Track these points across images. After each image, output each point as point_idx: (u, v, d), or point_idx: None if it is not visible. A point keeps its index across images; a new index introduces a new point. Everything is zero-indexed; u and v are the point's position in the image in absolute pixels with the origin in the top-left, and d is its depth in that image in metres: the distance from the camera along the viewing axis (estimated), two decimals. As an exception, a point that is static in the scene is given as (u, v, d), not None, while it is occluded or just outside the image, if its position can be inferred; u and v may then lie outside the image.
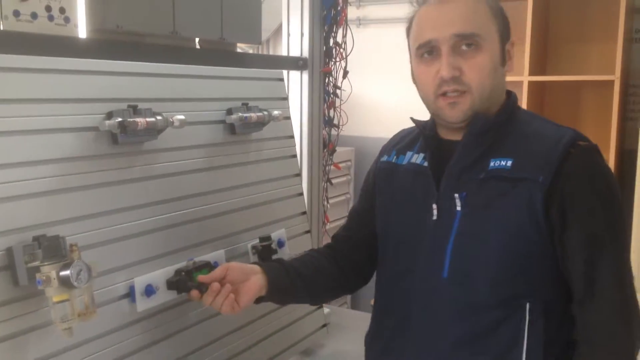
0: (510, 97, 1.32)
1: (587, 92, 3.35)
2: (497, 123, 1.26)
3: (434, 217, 1.28)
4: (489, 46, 1.23)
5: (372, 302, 3.94)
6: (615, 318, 1.20)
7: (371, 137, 3.93)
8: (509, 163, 1.22)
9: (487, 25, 1.24)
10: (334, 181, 2.55)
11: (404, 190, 1.37)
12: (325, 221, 2.40)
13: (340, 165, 3.12)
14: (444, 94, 1.24)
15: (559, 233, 1.20)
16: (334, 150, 2.37)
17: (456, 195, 1.25)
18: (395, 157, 1.43)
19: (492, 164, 1.24)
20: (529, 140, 1.25)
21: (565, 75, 3.27)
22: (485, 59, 1.22)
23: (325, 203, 2.38)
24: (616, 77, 3.00)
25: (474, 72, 1.22)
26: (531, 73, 3.14)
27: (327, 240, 2.49)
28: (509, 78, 1.34)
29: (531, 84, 3.15)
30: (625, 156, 3.25)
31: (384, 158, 1.46)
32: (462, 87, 1.23)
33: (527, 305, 1.21)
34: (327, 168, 2.38)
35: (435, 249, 1.27)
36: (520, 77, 3.13)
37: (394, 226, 1.39)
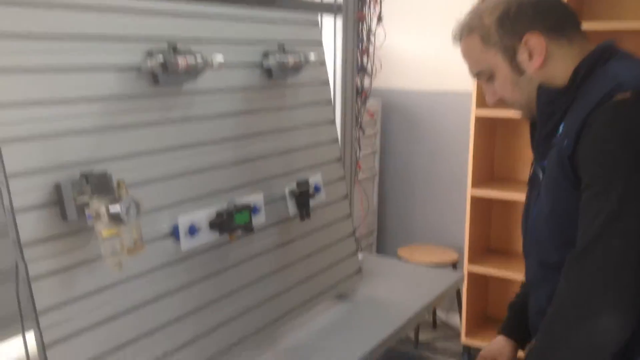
0: (584, 61, 1.23)
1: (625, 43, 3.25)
2: (562, 91, 1.25)
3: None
4: (497, 73, 1.31)
5: (399, 251, 3.93)
6: (576, 282, 1.13)
7: (397, 90, 3.86)
8: (561, 128, 1.23)
9: (484, 56, 1.30)
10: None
11: None
12: (358, 168, 2.39)
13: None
14: None
15: None
16: (367, 98, 2.35)
17: (537, 164, 1.34)
18: None
19: (559, 130, 1.25)
20: (584, 99, 1.19)
21: (603, 21, 3.16)
22: (500, 84, 1.32)
23: (358, 151, 2.37)
24: (656, 24, 2.90)
25: (502, 94, 1.34)
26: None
27: (358, 188, 2.49)
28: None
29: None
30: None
31: None
32: (506, 102, 1.36)
33: None
34: (359, 116, 2.35)
35: (529, 209, 1.39)
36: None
37: None
